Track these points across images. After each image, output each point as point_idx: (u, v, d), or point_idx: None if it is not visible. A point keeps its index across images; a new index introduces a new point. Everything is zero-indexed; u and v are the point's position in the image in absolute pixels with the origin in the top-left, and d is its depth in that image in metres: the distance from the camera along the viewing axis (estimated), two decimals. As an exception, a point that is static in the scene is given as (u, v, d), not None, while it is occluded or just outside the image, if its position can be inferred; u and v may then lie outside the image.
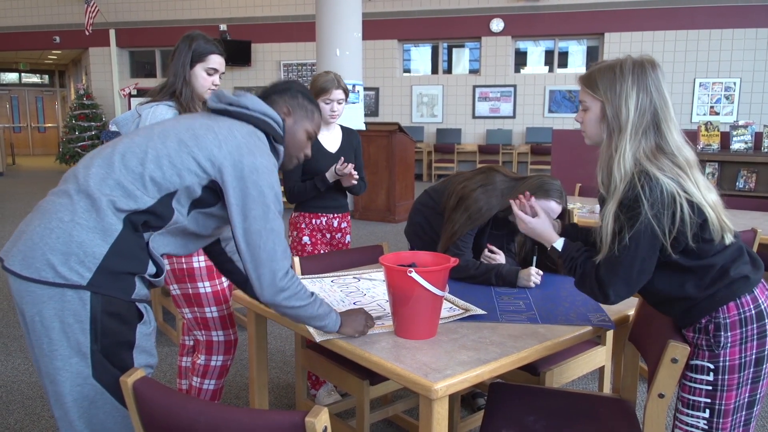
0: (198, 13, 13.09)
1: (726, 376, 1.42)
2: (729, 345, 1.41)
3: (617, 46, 11.04)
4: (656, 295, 1.50)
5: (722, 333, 1.41)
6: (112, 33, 13.65)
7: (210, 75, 2.14)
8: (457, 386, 1.36)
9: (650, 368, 1.55)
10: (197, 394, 2.18)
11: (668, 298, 1.48)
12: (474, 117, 12.19)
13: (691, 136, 1.54)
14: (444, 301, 1.75)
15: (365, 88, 10.13)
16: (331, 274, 2.23)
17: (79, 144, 12.96)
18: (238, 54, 12.46)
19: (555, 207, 2.08)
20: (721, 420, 1.44)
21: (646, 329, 1.69)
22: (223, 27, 12.75)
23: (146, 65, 14.47)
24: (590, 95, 1.50)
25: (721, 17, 10.48)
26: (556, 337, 1.61)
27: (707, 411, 1.44)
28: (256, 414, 1.09)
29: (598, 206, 1.67)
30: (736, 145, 5.58)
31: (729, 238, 1.43)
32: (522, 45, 12.27)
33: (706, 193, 1.40)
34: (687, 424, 1.48)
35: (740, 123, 5.70)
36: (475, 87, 12.12)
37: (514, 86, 11.88)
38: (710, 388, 1.43)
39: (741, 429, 1.45)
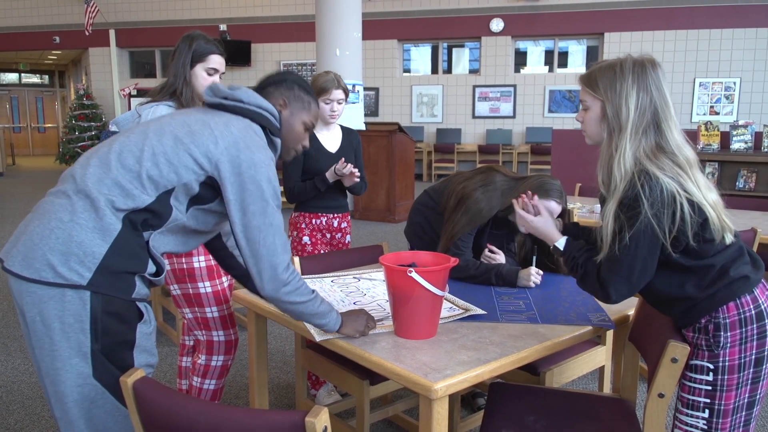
0: (198, 13, 13.09)
1: (725, 377, 1.42)
2: (729, 345, 1.41)
3: (617, 46, 11.04)
4: (656, 294, 1.50)
5: (722, 333, 1.41)
6: (112, 33, 13.65)
7: (210, 75, 2.14)
8: (457, 386, 1.36)
9: (650, 368, 1.55)
10: (197, 394, 2.18)
11: (668, 297, 1.48)
12: (474, 117, 12.19)
13: (691, 136, 1.54)
14: (444, 301, 1.75)
15: (365, 88, 10.13)
16: (331, 274, 2.23)
17: (79, 144, 12.96)
18: (238, 54, 12.46)
19: (555, 207, 2.08)
20: (720, 420, 1.43)
21: (646, 329, 1.69)
22: (223, 27, 12.75)
23: (146, 65, 14.47)
24: (590, 95, 1.51)
25: (721, 17, 10.48)
26: (556, 337, 1.61)
27: (706, 411, 1.44)
28: (256, 414, 1.09)
29: (597, 206, 1.67)
30: (736, 145, 5.58)
31: (729, 238, 1.43)
32: (522, 45, 12.27)
33: (706, 193, 1.40)
34: (686, 424, 1.48)
35: (740, 123, 5.70)
36: (475, 87, 12.12)
37: (514, 86, 11.88)
38: (710, 388, 1.43)
39: (741, 429, 1.45)
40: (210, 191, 1.46)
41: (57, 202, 1.36)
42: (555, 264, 2.25)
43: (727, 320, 1.40)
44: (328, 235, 2.76)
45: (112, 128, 2.27)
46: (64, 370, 1.33)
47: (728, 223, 1.43)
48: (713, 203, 1.40)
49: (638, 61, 1.46)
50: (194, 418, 1.06)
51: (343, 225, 2.78)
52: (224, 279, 2.20)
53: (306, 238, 2.69)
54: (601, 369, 2.21)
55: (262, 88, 1.63)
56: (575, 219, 3.39)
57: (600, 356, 2.18)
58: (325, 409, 0.99)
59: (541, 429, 1.66)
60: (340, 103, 2.64)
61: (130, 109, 9.53)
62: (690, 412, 1.47)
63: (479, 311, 1.79)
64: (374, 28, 11.39)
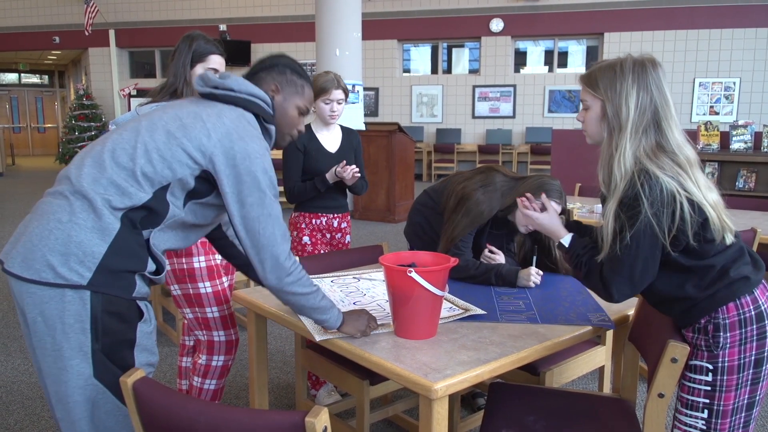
0: (198, 13, 13.09)
1: (725, 377, 1.41)
2: (728, 346, 1.41)
3: (617, 46, 11.04)
4: (656, 294, 1.50)
5: (721, 334, 1.41)
6: (111, 33, 13.65)
7: (210, 75, 2.14)
8: (457, 386, 1.36)
9: (650, 368, 1.55)
10: (198, 394, 2.18)
11: (668, 298, 1.48)
12: (474, 117, 12.19)
13: (691, 136, 1.54)
14: (444, 301, 1.75)
15: (365, 88, 10.13)
16: (331, 274, 2.23)
17: (79, 144, 12.95)
18: (237, 54, 12.45)
19: (555, 207, 2.08)
20: (719, 421, 1.43)
21: (646, 329, 1.69)
22: (222, 27, 12.76)
23: (146, 65, 14.47)
24: (591, 94, 1.51)
25: (721, 17, 10.48)
26: (556, 337, 1.61)
27: (705, 411, 1.44)
28: (256, 414, 1.09)
29: (597, 206, 1.67)
30: (735, 145, 5.58)
31: (730, 239, 1.43)
32: (522, 45, 12.27)
33: (706, 193, 1.40)
34: (686, 425, 1.48)
35: (740, 123, 5.70)
36: (474, 87, 12.12)
37: (514, 86, 11.88)
38: (709, 388, 1.43)
39: (740, 430, 1.45)
40: (206, 185, 1.45)
41: (55, 203, 1.36)
42: (555, 264, 2.25)
43: (727, 321, 1.40)
44: (328, 235, 2.76)
45: (112, 129, 2.27)
46: (66, 370, 1.33)
47: (728, 223, 1.43)
48: (713, 203, 1.40)
49: (638, 60, 1.46)
50: (194, 418, 1.06)
51: (343, 225, 2.78)
52: (224, 279, 2.20)
53: (306, 238, 2.69)
54: (601, 369, 2.21)
55: (253, 73, 1.61)
56: (575, 219, 3.39)
57: (600, 356, 2.18)
58: (325, 409, 0.99)
59: (541, 429, 1.66)
60: (339, 104, 2.64)
61: (130, 109, 9.54)
62: (689, 412, 1.47)
63: (479, 311, 1.79)
64: (374, 28, 11.39)
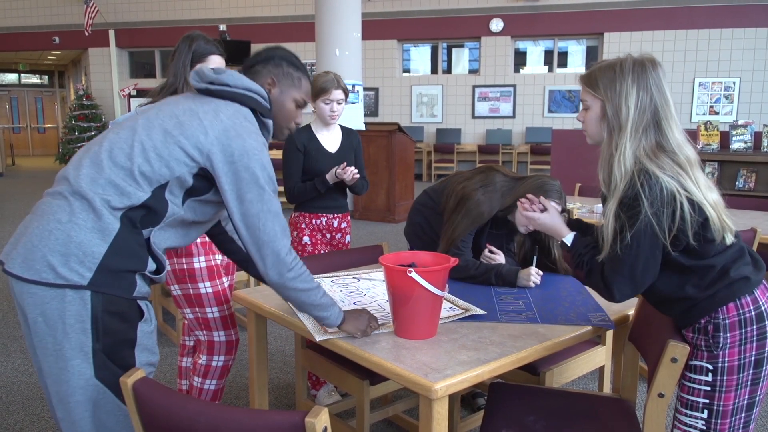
0: (198, 13, 13.09)
1: (725, 377, 1.41)
2: (728, 346, 1.41)
3: (617, 46, 11.04)
4: (656, 294, 1.50)
5: (721, 334, 1.40)
6: (111, 33, 13.64)
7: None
8: (457, 386, 1.36)
9: (650, 368, 1.55)
10: (198, 394, 2.18)
11: (668, 298, 1.48)
12: (474, 117, 12.20)
13: (691, 136, 1.54)
14: (444, 301, 1.75)
15: (365, 88, 10.13)
16: (331, 274, 2.23)
17: (79, 144, 12.94)
18: (237, 54, 12.36)
19: (555, 207, 2.08)
20: (719, 421, 1.43)
21: (646, 329, 1.69)
22: (222, 27, 12.74)
23: (146, 66, 14.47)
24: (591, 94, 1.51)
25: (720, 17, 10.48)
26: (556, 337, 1.61)
27: (705, 411, 1.44)
28: (256, 414, 1.09)
29: (597, 206, 1.67)
30: (735, 145, 5.58)
31: (730, 239, 1.43)
32: (521, 45, 12.27)
33: (706, 192, 1.40)
34: (685, 425, 1.48)
35: (740, 122, 5.70)
36: (474, 87, 12.12)
37: (514, 86, 11.89)
38: (709, 388, 1.43)
39: (740, 431, 1.45)
40: (204, 182, 1.45)
41: (55, 203, 1.36)
42: (555, 264, 2.25)
43: (727, 321, 1.40)
44: (328, 236, 2.76)
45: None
46: (66, 370, 1.33)
47: (729, 223, 1.43)
48: (714, 203, 1.40)
49: (638, 60, 1.46)
50: (194, 418, 1.06)
51: (343, 225, 2.78)
52: (225, 279, 2.20)
53: (306, 238, 2.69)
54: (601, 369, 2.21)
55: (249, 67, 1.59)
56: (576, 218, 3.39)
57: (600, 356, 2.18)
58: (325, 410, 0.99)
59: (541, 429, 1.66)
60: (339, 104, 2.64)
61: (129, 109, 9.54)
62: (689, 412, 1.47)
63: (479, 311, 1.79)
64: (374, 28, 11.39)
